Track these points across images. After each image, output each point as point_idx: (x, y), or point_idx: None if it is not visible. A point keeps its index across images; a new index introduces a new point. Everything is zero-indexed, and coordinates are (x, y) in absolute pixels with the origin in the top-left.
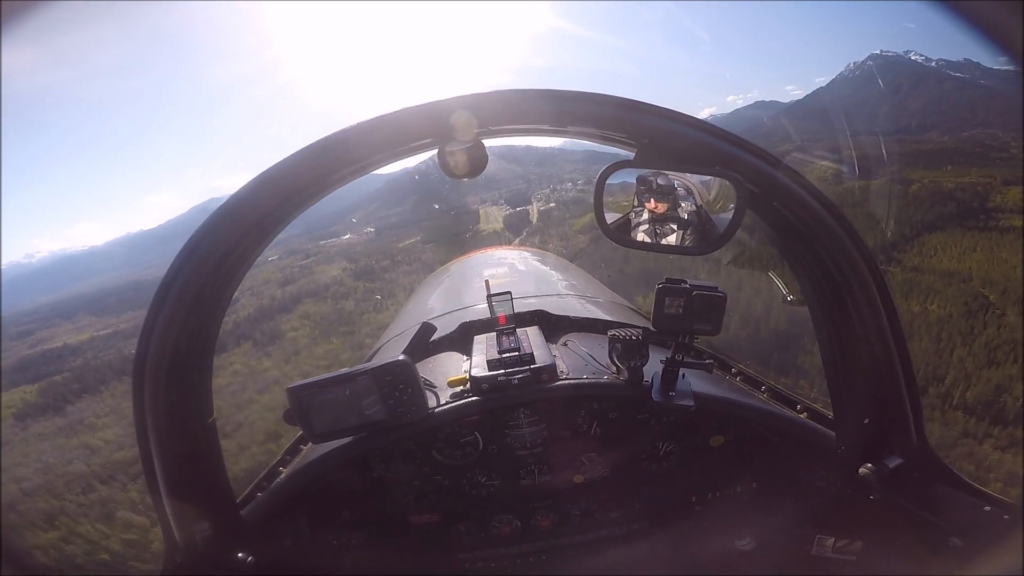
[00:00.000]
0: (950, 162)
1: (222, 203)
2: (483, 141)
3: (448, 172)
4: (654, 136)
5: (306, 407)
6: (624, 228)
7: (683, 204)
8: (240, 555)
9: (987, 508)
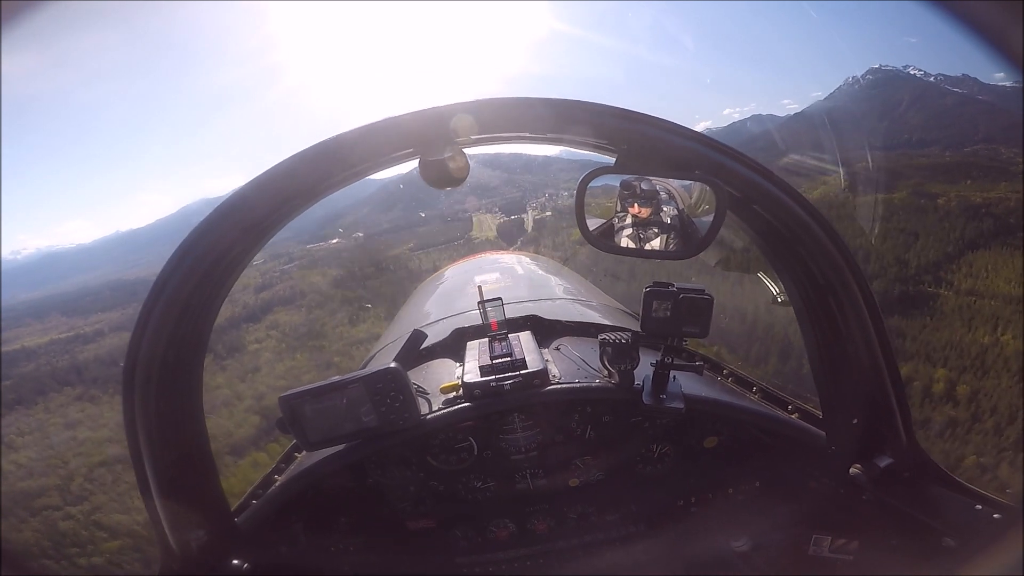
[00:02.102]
0: (967, 176)
1: (213, 208)
2: (464, 150)
3: (429, 182)
4: (633, 142)
5: (299, 416)
6: (607, 233)
7: (665, 208)
8: (235, 562)
9: (979, 507)
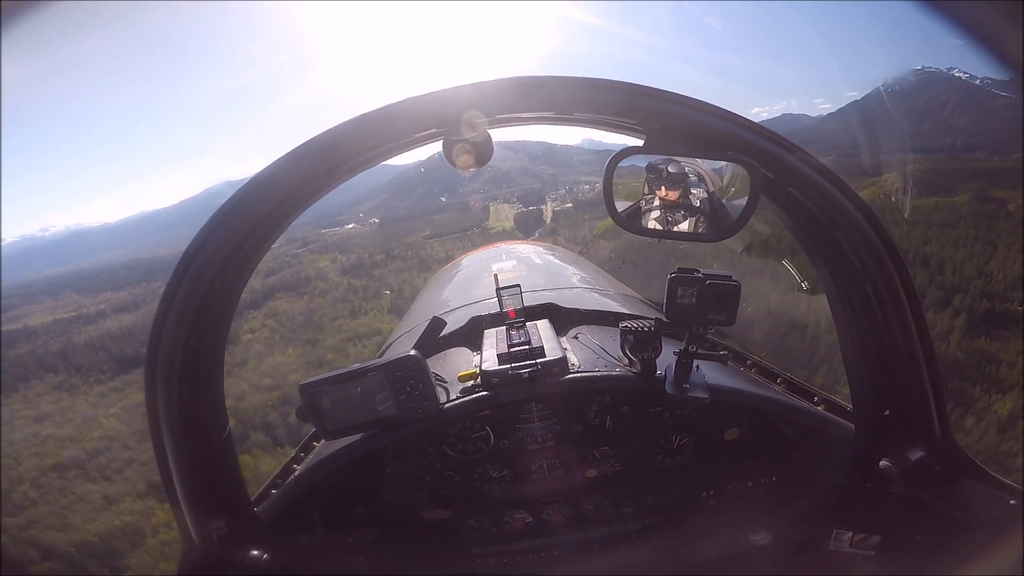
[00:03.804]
0: None
1: (226, 200)
2: (489, 131)
3: (454, 163)
4: (664, 122)
5: (318, 404)
6: (635, 216)
7: (695, 191)
8: (255, 552)
9: (1012, 502)
